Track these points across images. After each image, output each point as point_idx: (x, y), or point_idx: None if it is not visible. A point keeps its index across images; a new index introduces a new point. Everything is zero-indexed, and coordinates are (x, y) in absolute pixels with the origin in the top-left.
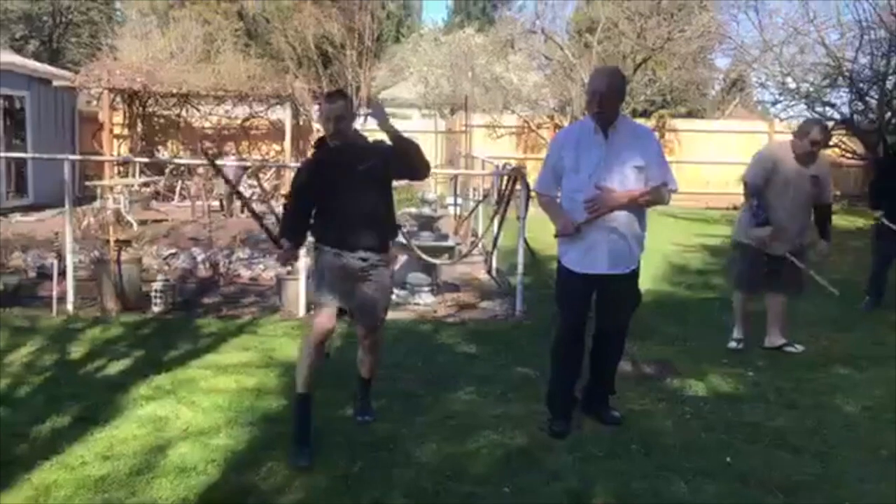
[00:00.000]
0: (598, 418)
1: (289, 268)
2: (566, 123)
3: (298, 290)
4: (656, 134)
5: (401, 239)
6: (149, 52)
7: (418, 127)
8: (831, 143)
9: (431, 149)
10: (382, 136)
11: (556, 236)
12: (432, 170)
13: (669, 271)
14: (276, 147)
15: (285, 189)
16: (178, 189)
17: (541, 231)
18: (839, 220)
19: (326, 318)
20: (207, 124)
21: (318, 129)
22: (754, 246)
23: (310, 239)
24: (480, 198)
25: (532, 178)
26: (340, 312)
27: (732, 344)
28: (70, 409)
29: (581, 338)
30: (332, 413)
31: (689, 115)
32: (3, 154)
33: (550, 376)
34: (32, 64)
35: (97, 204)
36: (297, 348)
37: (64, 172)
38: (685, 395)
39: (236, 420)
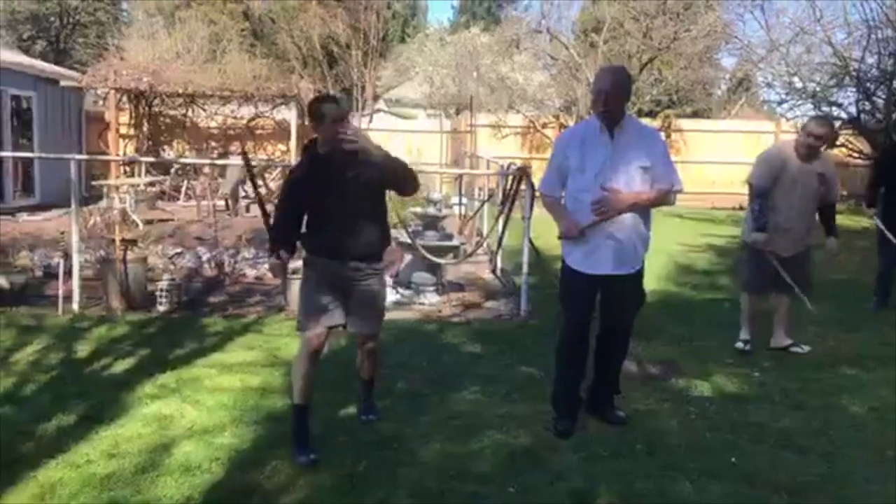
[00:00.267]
0: (604, 418)
1: (280, 275)
2: (571, 123)
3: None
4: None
5: (405, 238)
6: (155, 52)
7: (424, 127)
8: (838, 142)
9: (437, 149)
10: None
11: (559, 238)
12: (439, 169)
13: (675, 271)
14: (282, 147)
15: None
16: (183, 189)
17: (546, 231)
18: (846, 220)
19: (315, 336)
20: (213, 124)
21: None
22: (762, 249)
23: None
24: (485, 197)
25: (537, 178)
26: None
27: (739, 345)
28: (75, 407)
29: (585, 337)
30: (337, 412)
31: (695, 114)
32: (10, 154)
33: (555, 376)
34: (39, 64)
35: (103, 203)
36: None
37: (70, 172)
38: (690, 395)
39: (241, 419)
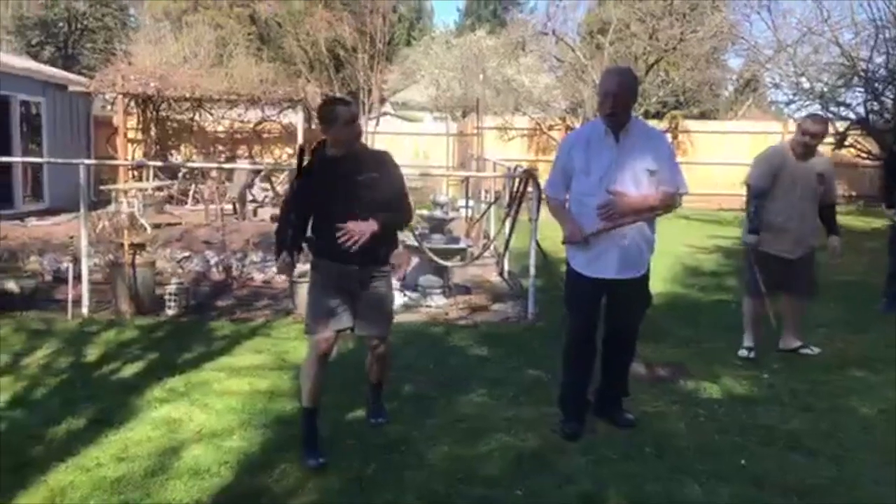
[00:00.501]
0: (612, 421)
1: (288, 275)
2: (578, 125)
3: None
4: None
5: (412, 241)
6: (162, 56)
7: (430, 129)
8: (847, 143)
9: (443, 151)
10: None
11: (563, 242)
12: (445, 171)
13: (682, 273)
14: (289, 150)
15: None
16: (191, 193)
17: (553, 233)
18: (855, 221)
19: (324, 339)
20: (220, 128)
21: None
22: (762, 251)
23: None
24: (492, 200)
25: (543, 180)
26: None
27: (743, 352)
28: (85, 411)
29: (592, 340)
30: (345, 415)
31: (702, 115)
32: (19, 159)
33: (562, 379)
34: (48, 70)
35: (112, 208)
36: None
37: (79, 176)
38: (699, 397)
39: (249, 422)
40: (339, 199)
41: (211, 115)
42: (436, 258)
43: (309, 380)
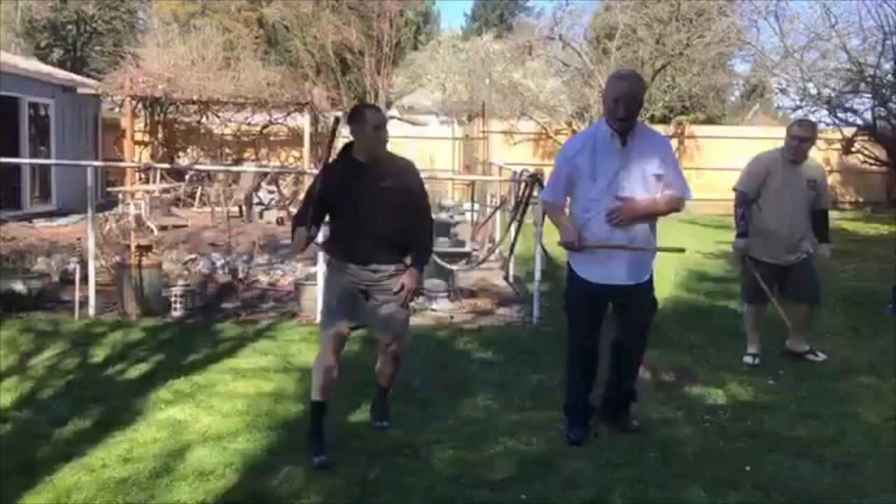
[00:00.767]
0: (618, 426)
1: (302, 247)
2: (584, 129)
3: (316, 296)
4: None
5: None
6: (170, 59)
7: (436, 133)
8: (853, 149)
9: (449, 155)
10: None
11: (559, 244)
12: (451, 175)
13: (688, 278)
14: (295, 153)
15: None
16: (198, 195)
17: (558, 237)
18: (863, 227)
19: (336, 335)
20: (227, 131)
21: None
22: (756, 258)
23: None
24: (498, 204)
25: None
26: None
27: (748, 359)
28: (91, 412)
29: (595, 347)
30: (349, 419)
31: (709, 121)
32: (28, 160)
33: (566, 384)
34: (57, 72)
35: (119, 209)
36: (314, 353)
37: (87, 178)
38: (704, 403)
39: (254, 424)
40: (361, 204)
41: (218, 117)
42: (441, 262)
43: (320, 374)
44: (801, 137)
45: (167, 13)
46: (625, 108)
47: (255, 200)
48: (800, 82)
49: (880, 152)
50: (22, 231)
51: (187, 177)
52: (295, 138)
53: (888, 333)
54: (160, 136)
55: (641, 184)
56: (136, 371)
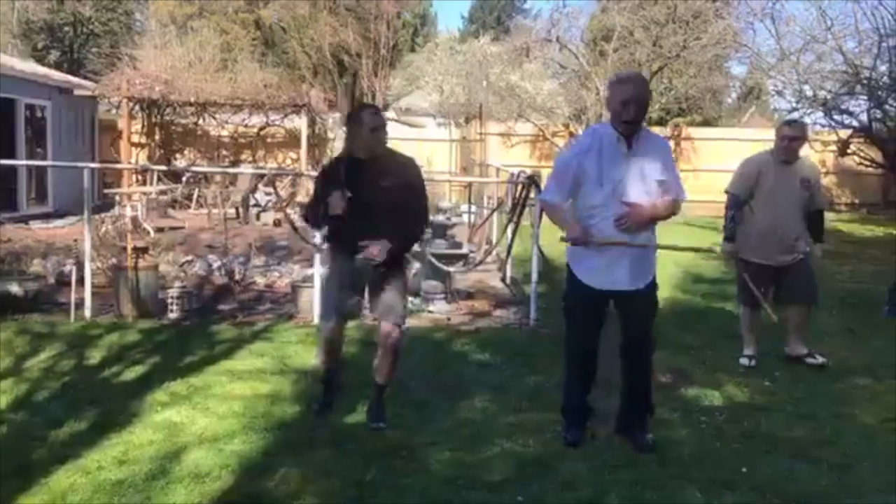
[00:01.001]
0: (632, 442)
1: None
2: (581, 131)
3: (313, 297)
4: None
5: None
6: (167, 61)
7: (433, 135)
8: (849, 151)
9: (446, 157)
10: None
11: (563, 240)
12: (448, 177)
13: (684, 279)
14: (293, 155)
15: (301, 197)
16: (195, 197)
17: (555, 239)
18: (858, 229)
19: (334, 324)
20: (224, 133)
21: (333, 138)
22: (750, 260)
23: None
24: (495, 205)
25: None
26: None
27: (744, 360)
28: (87, 414)
29: (594, 349)
30: (346, 420)
31: (705, 123)
32: (24, 162)
33: (564, 386)
34: (54, 74)
35: (115, 211)
36: (311, 355)
37: (83, 180)
38: (701, 404)
39: (251, 426)
40: (362, 201)
41: (215, 119)
42: (438, 263)
43: (323, 353)
44: (791, 137)
45: (164, 15)
46: (633, 111)
47: (252, 202)
48: (796, 84)
49: (876, 154)
50: (18, 233)
51: (184, 178)
52: (292, 140)
53: (884, 335)
54: (157, 137)
55: (644, 189)
56: (132, 373)
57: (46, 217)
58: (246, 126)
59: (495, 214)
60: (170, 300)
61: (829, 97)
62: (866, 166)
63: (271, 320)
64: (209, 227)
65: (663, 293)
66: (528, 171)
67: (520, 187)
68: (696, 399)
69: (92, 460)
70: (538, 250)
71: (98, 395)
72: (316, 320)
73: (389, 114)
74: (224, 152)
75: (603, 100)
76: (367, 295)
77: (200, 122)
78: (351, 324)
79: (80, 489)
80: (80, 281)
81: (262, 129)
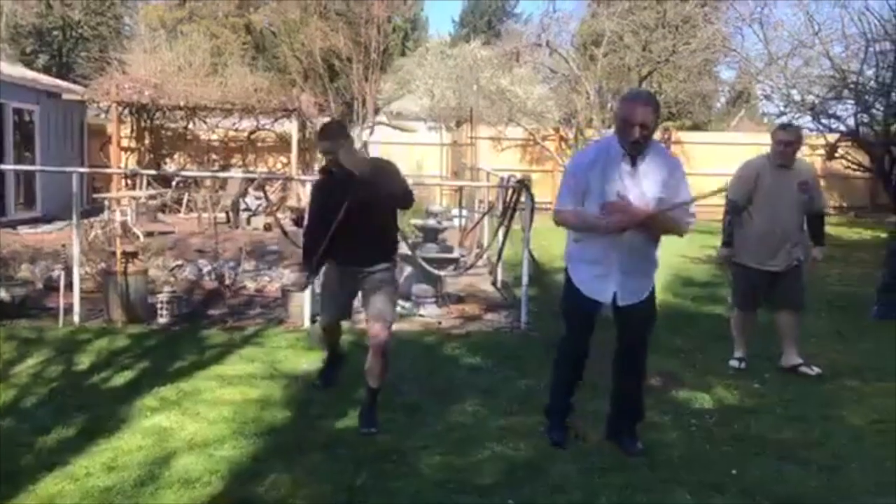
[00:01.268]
0: (620, 446)
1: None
2: (571, 135)
3: (303, 302)
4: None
5: (405, 250)
6: (157, 65)
7: (424, 139)
8: (837, 154)
9: (437, 161)
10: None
11: (603, 231)
12: (439, 181)
13: (675, 283)
14: (283, 159)
15: (291, 201)
16: (184, 201)
17: (545, 242)
18: (846, 232)
19: (330, 324)
20: (214, 137)
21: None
22: (747, 264)
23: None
24: (486, 209)
25: (537, 191)
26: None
27: (734, 363)
28: (75, 419)
29: (585, 354)
30: (337, 425)
31: (695, 127)
32: (12, 167)
33: (552, 387)
34: (42, 78)
35: (104, 216)
36: (301, 359)
37: (72, 185)
38: (691, 407)
39: (241, 431)
40: (347, 214)
41: (205, 123)
42: (429, 267)
43: (325, 343)
44: (786, 141)
45: (154, 19)
46: (639, 133)
47: (243, 206)
48: (784, 89)
49: (863, 158)
50: (6, 238)
51: (174, 183)
52: (282, 144)
53: (872, 337)
54: (147, 142)
55: (647, 204)
56: (121, 378)
57: (34, 222)
58: (236, 130)
59: (486, 218)
60: (159, 305)
61: (816, 101)
62: (854, 170)
63: (261, 325)
64: (199, 231)
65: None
66: (519, 175)
67: (510, 191)
68: (686, 402)
69: (80, 466)
70: (529, 254)
71: (86, 401)
72: (306, 325)
73: (381, 118)
74: (214, 156)
75: (592, 104)
76: (360, 298)
77: (190, 126)
78: (344, 325)
79: (68, 495)
80: (69, 286)
81: (252, 133)
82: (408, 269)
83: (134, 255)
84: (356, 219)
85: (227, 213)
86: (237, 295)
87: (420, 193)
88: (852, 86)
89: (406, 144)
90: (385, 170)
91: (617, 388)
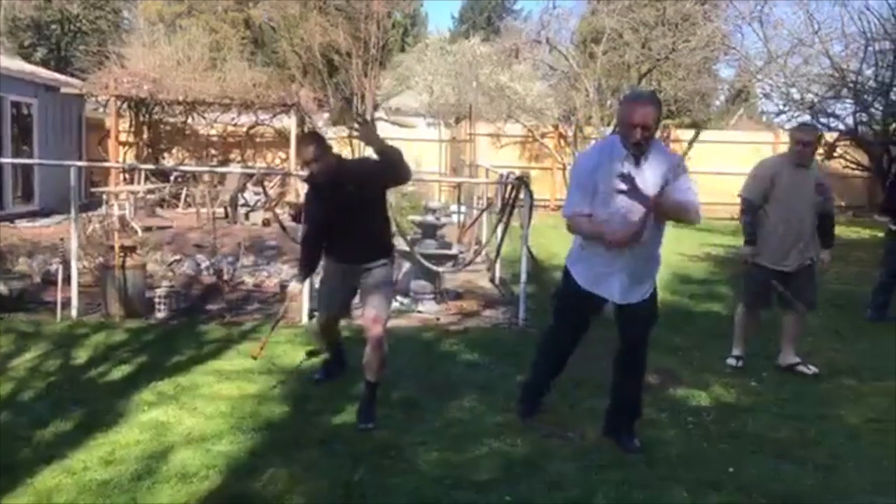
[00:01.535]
0: (618, 443)
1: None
2: (570, 133)
3: (302, 298)
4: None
5: (404, 246)
6: (156, 60)
7: (423, 135)
8: (836, 154)
9: (436, 157)
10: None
11: (608, 246)
12: (438, 177)
13: (673, 281)
14: (282, 155)
15: (290, 197)
16: (183, 196)
17: (543, 240)
18: (845, 231)
19: (327, 320)
20: (213, 132)
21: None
22: (760, 263)
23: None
24: (484, 206)
25: (536, 187)
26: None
27: (731, 361)
28: (73, 413)
29: (569, 352)
30: (334, 421)
31: (694, 125)
32: (10, 160)
33: (532, 366)
34: (40, 71)
35: (102, 210)
36: (299, 355)
37: (70, 179)
38: (688, 404)
39: (238, 426)
40: (337, 215)
41: (204, 118)
42: (427, 263)
43: (323, 341)
44: (805, 142)
45: (153, 13)
46: (640, 133)
47: (241, 202)
48: (783, 87)
49: (862, 157)
50: (3, 231)
51: (172, 178)
52: (281, 140)
53: (869, 336)
54: (145, 136)
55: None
56: (118, 373)
57: (32, 215)
58: (235, 125)
59: (485, 215)
60: (157, 300)
61: (815, 100)
62: (852, 169)
63: (259, 320)
64: (197, 226)
65: None
66: (518, 172)
67: (509, 188)
68: (683, 399)
69: (78, 460)
70: (527, 251)
71: (84, 395)
72: (304, 321)
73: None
74: (213, 151)
75: (592, 101)
76: (358, 295)
77: (189, 121)
78: (342, 322)
79: (65, 489)
80: (67, 280)
81: (251, 128)
82: (406, 266)
83: (132, 249)
84: (351, 217)
85: (225, 208)
86: (235, 290)
87: (419, 189)
88: (851, 85)
89: (405, 140)
90: (369, 160)
91: (617, 385)
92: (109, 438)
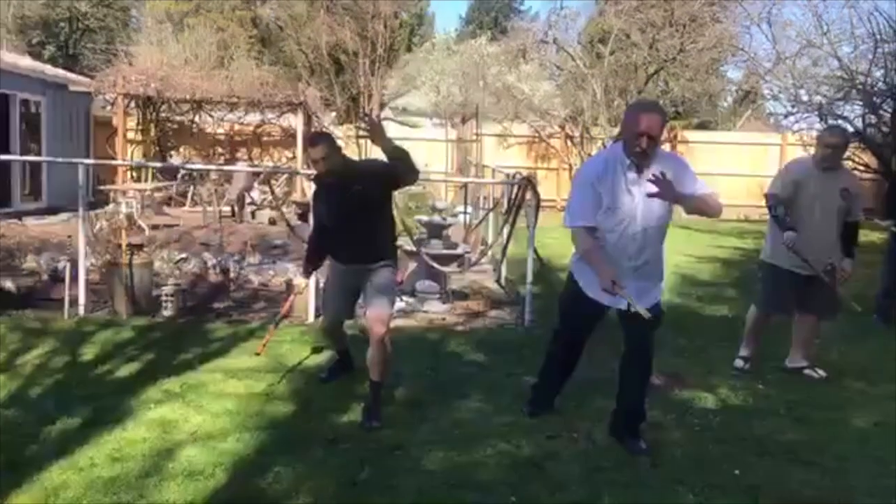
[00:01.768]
0: (624, 445)
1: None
2: (577, 133)
3: (308, 296)
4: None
5: (410, 246)
6: (163, 58)
7: (429, 135)
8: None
9: (442, 157)
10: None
11: (604, 289)
12: (444, 177)
13: (680, 282)
14: (288, 154)
15: (296, 195)
16: (189, 194)
17: (550, 240)
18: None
19: (330, 322)
20: (220, 130)
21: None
22: (782, 267)
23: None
24: (491, 206)
25: (542, 188)
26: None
27: (738, 363)
28: (80, 410)
29: (578, 353)
30: (340, 420)
31: (701, 126)
32: (18, 157)
33: (540, 370)
34: (49, 69)
35: (110, 208)
36: (306, 353)
37: (78, 176)
38: (694, 407)
39: (245, 424)
40: (342, 216)
41: (211, 117)
42: (434, 264)
43: (331, 344)
44: (833, 145)
45: (161, 11)
46: (646, 143)
47: (248, 200)
48: (791, 89)
49: (870, 160)
50: (11, 228)
51: (179, 176)
52: (288, 138)
53: (877, 339)
54: (152, 134)
55: (653, 214)
56: (125, 370)
57: (40, 213)
58: (242, 124)
59: (491, 215)
60: (164, 297)
61: (824, 102)
62: (861, 172)
63: (266, 319)
64: (204, 224)
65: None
66: (524, 173)
67: (515, 189)
68: (690, 401)
69: (85, 457)
70: (533, 252)
71: (91, 392)
72: (310, 320)
73: (386, 113)
74: (220, 150)
75: (599, 102)
76: (363, 296)
77: (196, 119)
78: (348, 323)
79: (72, 486)
80: (74, 277)
81: (258, 127)
82: (412, 266)
83: (139, 247)
84: (357, 217)
85: (232, 206)
86: (241, 288)
87: (425, 189)
88: (860, 87)
89: (411, 140)
90: (377, 161)
91: (623, 387)
92: (116, 435)
